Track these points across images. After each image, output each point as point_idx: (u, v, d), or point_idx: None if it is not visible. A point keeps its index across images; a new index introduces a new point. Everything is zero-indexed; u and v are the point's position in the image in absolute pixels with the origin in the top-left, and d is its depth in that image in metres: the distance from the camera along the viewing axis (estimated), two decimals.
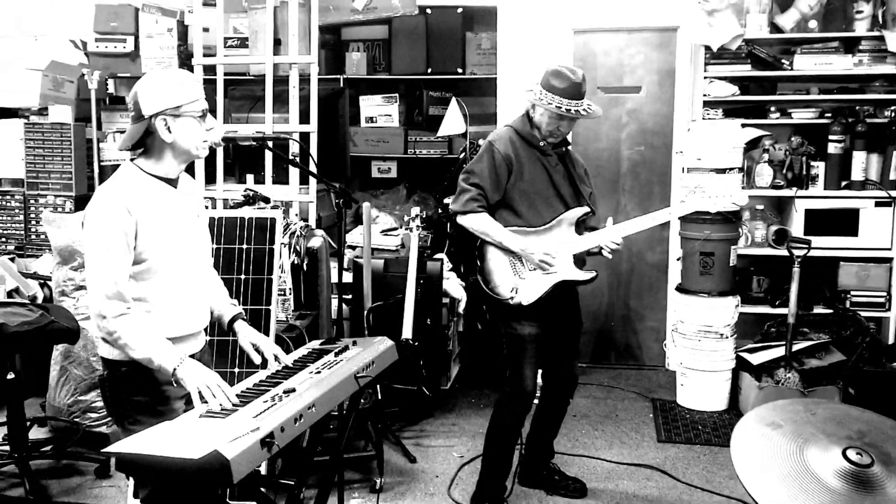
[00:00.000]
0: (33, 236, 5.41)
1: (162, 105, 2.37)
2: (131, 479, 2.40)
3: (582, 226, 3.50)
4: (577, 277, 3.45)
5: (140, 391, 2.44)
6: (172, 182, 2.50)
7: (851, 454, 1.70)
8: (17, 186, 5.49)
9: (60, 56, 6.00)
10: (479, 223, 3.42)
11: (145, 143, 2.44)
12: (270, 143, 4.34)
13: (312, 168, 4.58)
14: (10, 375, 3.78)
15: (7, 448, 3.88)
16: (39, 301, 4.54)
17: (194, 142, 2.45)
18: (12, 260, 5.09)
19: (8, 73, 6.35)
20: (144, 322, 2.38)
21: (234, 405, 2.28)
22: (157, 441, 2.03)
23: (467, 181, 3.44)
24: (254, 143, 2.56)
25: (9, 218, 5.46)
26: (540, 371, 3.75)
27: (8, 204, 5.47)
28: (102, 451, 2.04)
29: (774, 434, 1.79)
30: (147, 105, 2.38)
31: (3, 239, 5.45)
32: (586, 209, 3.47)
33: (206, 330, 2.73)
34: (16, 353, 3.86)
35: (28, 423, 4.03)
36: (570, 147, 3.61)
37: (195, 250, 2.58)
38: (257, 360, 2.66)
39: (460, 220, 3.46)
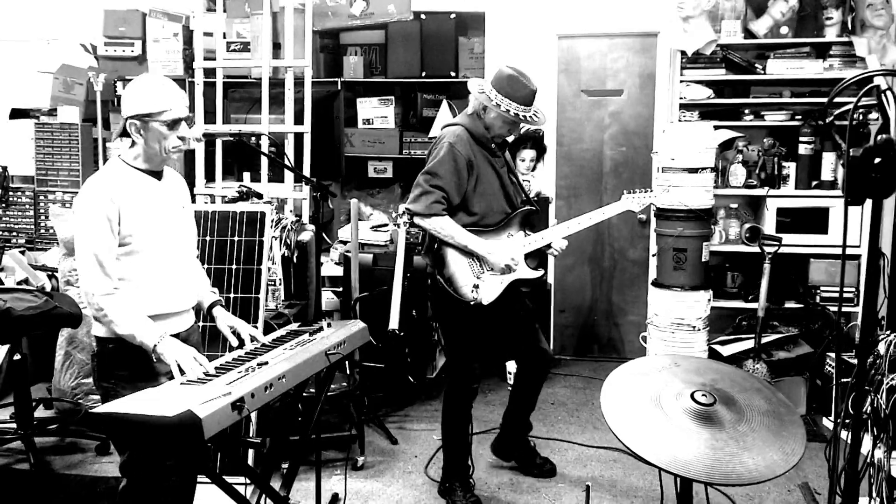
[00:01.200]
0: (42, 230, 5.70)
1: (132, 110, 2.63)
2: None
3: (526, 224, 3.70)
4: (530, 276, 3.66)
5: (124, 366, 2.67)
6: (155, 174, 2.75)
7: (697, 396, 1.96)
8: (28, 183, 5.78)
9: (71, 59, 6.29)
10: (443, 226, 3.49)
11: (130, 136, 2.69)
12: (263, 142, 4.61)
13: (311, 166, 4.84)
14: (17, 356, 4.05)
15: (14, 425, 4.15)
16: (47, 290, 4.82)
17: (161, 147, 2.66)
18: (22, 253, 5.37)
19: (21, 76, 6.65)
20: (129, 301, 2.62)
21: (210, 375, 2.52)
22: (137, 403, 2.28)
23: (430, 183, 3.48)
24: (232, 139, 2.79)
25: (20, 213, 5.75)
26: (513, 358, 3.97)
27: (19, 200, 5.76)
28: (88, 411, 2.27)
29: (640, 381, 2.04)
30: (124, 107, 2.66)
31: (14, 233, 5.74)
32: (533, 208, 3.68)
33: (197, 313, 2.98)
34: (22, 336, 4.13)
35: (34, 404, 4.31)
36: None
37: (178, 236, 2.82)
38: (234, 342, 2.87)
39: (422, 221, 3.51)
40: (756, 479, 1.73)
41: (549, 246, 3.69)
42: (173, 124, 2.66)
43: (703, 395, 1.94)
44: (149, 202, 2.70)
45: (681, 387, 2.00)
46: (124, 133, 2.70)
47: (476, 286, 3.53)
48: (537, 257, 3.74)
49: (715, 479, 1.72)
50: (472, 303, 3.53)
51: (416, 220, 3.53)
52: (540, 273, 3.70)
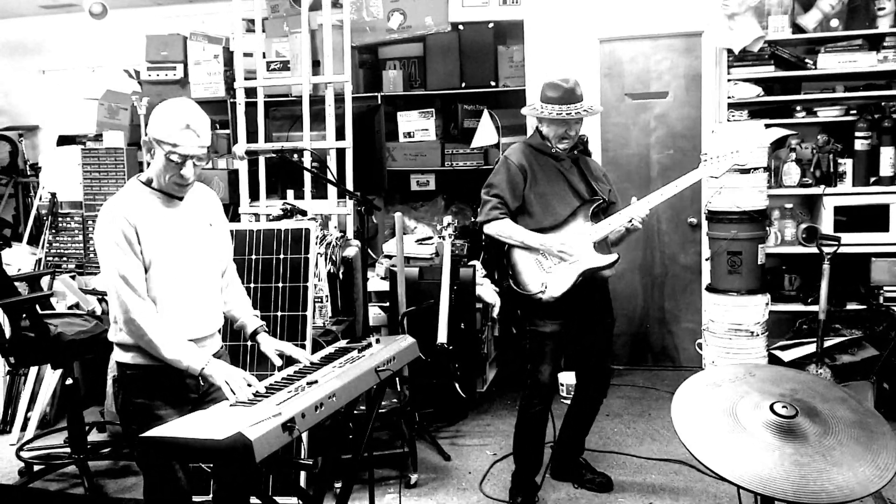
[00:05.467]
0: (91, 255, 5.75)
1: (150, 130, 2.57)
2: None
3: (600, 217, 3.64)
4: (600, 263, 3.57)
5: (143, 394, 2.62)
6: (174, 196, 2.66)
7: (777, 407, 1.84)
8: (76, 208, 5.85)
9: (115, 85, 6.38)
10: (502, 228, 3.60)
11: None
12: (306, 158, 4.59)
13: (353, 182, 4.81)
14: (69, 381, 4.06)
15: (68, 450, 4.17)
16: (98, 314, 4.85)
17: (161, 175, 2.59)
18: (73, 278, 5.42)
19: (68, 104, 6.77)
20: (171, 325, 2.57)
21: (259, 395, 2.47)
22: (187, 426, 2.24)
23: (488, 193, 3.67)
24: (274, 157, 2.76)
25: (69, 238, 5.82)
26: (574, 371, 3.94)
27: (68, 225, 5.83)
28: (139, 436, 2.24)
29: (713, 392, 1.93)
30: (149, 123, 2.60)
31: (64, 258, 5.80)
32: (599, 199, 3.63)
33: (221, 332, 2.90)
34: (74, 360, 4.14)
35: (87, 428, 4.32)
36: (583, 152, 3.75)
37: (201, 259, 2.73)
38: (279, 363, 2.82)
39: (486, 228, 3.65)
40: (848, 498, 1.61)
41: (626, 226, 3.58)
42: (175, 162, 2.55)
43: (783, 406, 1.82)
44: (166, 225, 2.63)
45: (758, 398, 1.88)
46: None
47: (544, 282, 3.56)
48: (607, 247, 3.67)
49: (802, 497, 1.60)
50: (541, 296, 3.54)
51: (484, 228, 3.67)
52: (614, 258, 3.61)
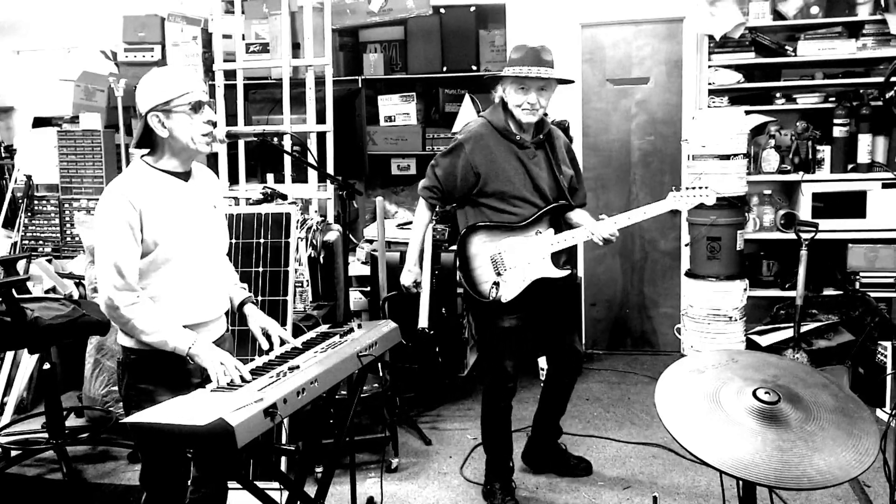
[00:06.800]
0: (68, 238, 5.69)
1: (152, 101, 2.47)
2: None
3: (561, 220, 3.56)
4: (553, 275, 3.50)
5: (148, 379, 2.56)
6: (182, 175, 2.59)
7: (760, 393, 1.86)
8: (53, 192, 5.78)
9: (91, 67, 6.29)
10: (417, 210, 3.65)
11: (150, 140, 2.54)
12: (286, 141, 4.55)
13: (334, 166, 4.78)
14: (46, 366, 4.02)
15: (46, 435, 4.13)
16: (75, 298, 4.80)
17: (189, 135, 2.51)
18: (49, 261, 5.36)
19: (43, 85, 6.66)
20: (155, 307, 2.50)
21: (244, 380, 2.45)
22: (169, 411, 2.22)
23: (432, 170, 3.58)
24: (255, 140, 2.73)
25: (45, 222, 5.74)
26: (544, 354, 3.91)
27: (44, 208, 5.75)
28: (121, 420, 2.21)
29: (696, 378, 1.95)
30: (141, 103, 2.50)
31: (41, 241, 5.73)
32: (563, 203, 3.53)
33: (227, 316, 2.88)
34: (51, 345, 4.10)
35: (65, 412, 4.28)
36: (550, 130, 3.58)
37: (209, 241, 2.68)
38: (266, 345, 2.78)
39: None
40: (829, 483, 1.63)
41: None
42: (197, 107, 2.50)
43: (765, 392, 1.84)
44: (175, 207, 2.55)
45: (741, 384, 1.89)
46: (142, 142, 2.55)
47: (496, 283, 3.46)
48: (566, 254, 3.62)
49: (784, 483, 1.63)
50: (491, 298, 3.45)
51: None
52: (567, 272, 3.55)
